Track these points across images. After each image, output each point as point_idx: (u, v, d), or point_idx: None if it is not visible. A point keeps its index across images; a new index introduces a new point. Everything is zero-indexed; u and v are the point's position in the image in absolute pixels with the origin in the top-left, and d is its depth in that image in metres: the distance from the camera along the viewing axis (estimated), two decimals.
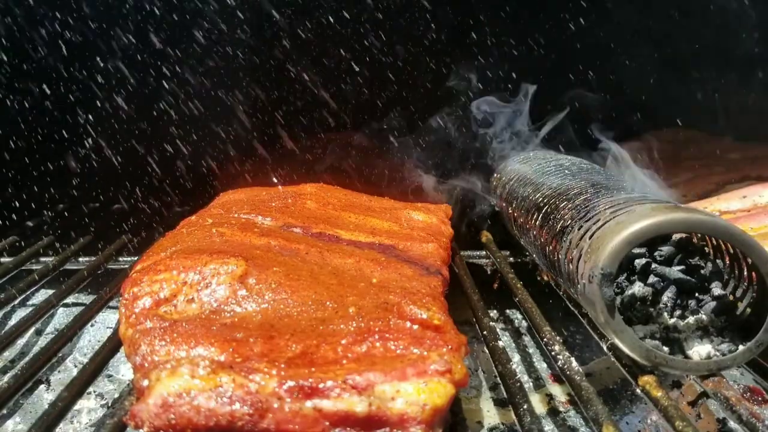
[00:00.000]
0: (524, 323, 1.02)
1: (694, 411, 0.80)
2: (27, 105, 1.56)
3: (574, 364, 0.65)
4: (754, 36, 1.32)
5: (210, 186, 1.23)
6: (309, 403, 0.48)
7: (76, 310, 1.03)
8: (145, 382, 0.51)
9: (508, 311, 1.06)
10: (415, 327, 0.57)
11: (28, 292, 0.92)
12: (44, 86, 1.56)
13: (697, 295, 0.64)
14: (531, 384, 0.88)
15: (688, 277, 0.63)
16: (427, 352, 0.54)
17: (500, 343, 0.71)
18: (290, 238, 0.77)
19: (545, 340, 0.71)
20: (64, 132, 1.62)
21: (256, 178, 1.41)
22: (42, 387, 0.85)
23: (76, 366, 0.90)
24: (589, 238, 0.66)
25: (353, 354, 0.54)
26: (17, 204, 1.42)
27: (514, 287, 0.87)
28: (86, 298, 1.06)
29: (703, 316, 0.63)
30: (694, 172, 1.32)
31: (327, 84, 1.65)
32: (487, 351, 0.72)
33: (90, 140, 1.65)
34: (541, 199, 0.86)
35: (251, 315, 0.60)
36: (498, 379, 0.69)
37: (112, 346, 0.69)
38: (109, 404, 0.82)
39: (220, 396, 0.48)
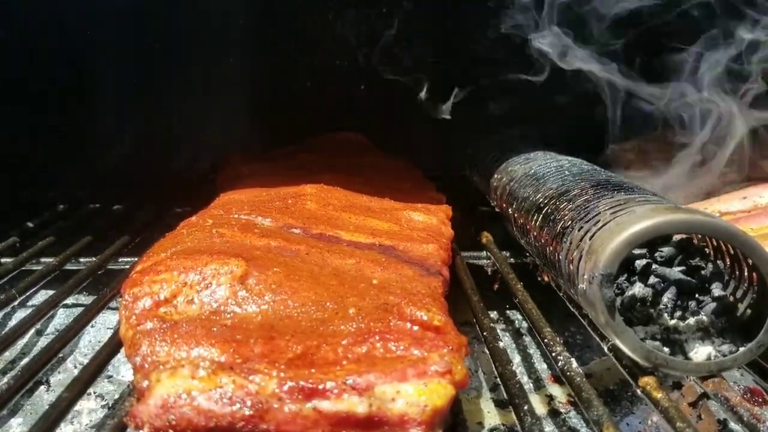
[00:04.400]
0: (524, 324, 1.02)
1: (695, 412, 0.80)
2: (27, 105, 1.56)
3: (575, 364, 0.65)
4: None
5: (210, 186, 1.23)
6: (309, 404, 0.48)
7: (77, 310, 1.03)
8: (146, 383, 0.51)
9: (508, 312, 1.06)
10: (416, 328, 0.57)
11: (29, 293, 0.92)
12: (43, 86, 1.56)
13: (697, 296, 0.64)
14: (531, 385, 0.88)
15: (689, 278, 0.63)
16: (427, 353, 0.54)
17: (500, 344, 0.71)
18: (290, 238, 0.77)
19: (546, 340, 0.71)
20: (63, 132, 1.62)
21: (256, 178, 1.41)
22: (42, 388, 0.85)
23: (76, 367, 0.90)
24: (590, 239, 0.66)
25: (353, 355, 0.54)
26: (17, 205, 1.42)
27: (514, 288, 0.87)
28: (86, 299, 1.06)
29: (704, 317, 0.63)
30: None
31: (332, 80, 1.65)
32: (487, 352, 0.72)
33: (90, 140, 1.65)
34: (541, 199, 0.86)
35: (251, 316, 0.60)
36: (498, 379, 0.69)
37: (112, 346, 0.69)
38: (110, 405, 0.82)
39: (220, 397, 0.48)
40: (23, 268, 0.99)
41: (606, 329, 0.62)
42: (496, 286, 1.01)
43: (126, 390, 0.61)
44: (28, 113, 1.55)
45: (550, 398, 0.85)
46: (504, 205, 1.03)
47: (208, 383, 0.49)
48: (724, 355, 0.61)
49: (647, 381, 0.61)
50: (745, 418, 0.58)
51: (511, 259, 1.03)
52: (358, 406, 0.48)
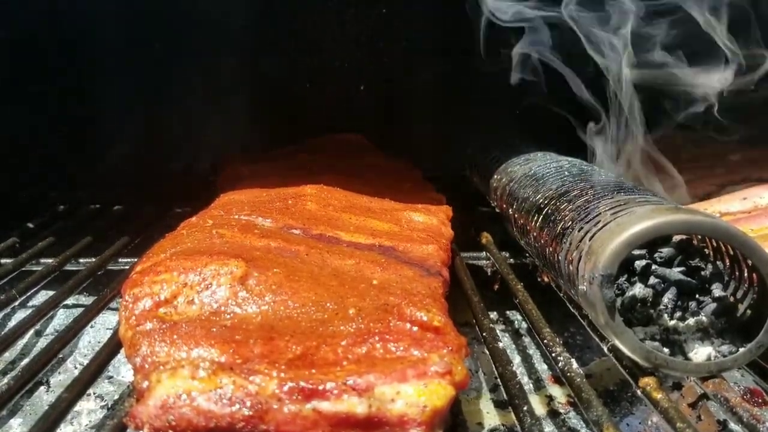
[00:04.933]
0: (524, 325, 1.02)
1: (695, 412, 0.80)
2: (27, 105, 1.56)
3: (575, 365, 0.65)
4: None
5: (210, 187, 1.23)
6: (309, 405, 0.48)
7: (76, 311, 1.03)
8: (146, 384, 0.51)
9: (508, 313, 1.06)
10: (415, 328, 0.57)
11: (29, 294, 0.92)
12: (45, 88, 1.55)
13: (697, 296, 0.64)
14: (531, 385, 0.88)
15: (689, 279, 0.63)
16: (427, 353, 0.54)
17: (500, 345, 0.71)
18: (290, 239, 0.77)
19: (545, 341, 0.71)
20: (64, 133, 1.62)
21: (256, 179, 1.41)
22: (42, 388, 0.85)
23: (76, 367, 0.90)
24: (590, 239, 0.66)
25: (353, 355, 0.54)
26: (17, 205, 1.42)
27: (514, 289, 0.87)
28: (86, 300, 1.06)
29: (704, 318, 0.62)
30: (695, 174, 1.32)
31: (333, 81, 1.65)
32: (487, 352, 0.72)
33: (90, 141, 1.65)
34: (541, 200, 0.86)
35: (251, 316, 0.60)
36: (498, 380, 0.69)
37: (112, 347, 0.69)
38: (110, 405, 0.82)
39: (220, 397, 0.48)
40: (23, 269, 0.99)
41: (606, 330, 0.62)
42: (496, 286, 1.01)
43: (126, 391, 0.61)
44: (28, 113, 1.55)
45: (550, 399, 0.85)
46: (504, 206, 1.03)
47: (207, 384, 0.49)
48: (724, 356, 0.61)
49: (647, 381, 0.61)
50: (744, 419, 0.58)
51: (511, 260, 1.03)
52: (357, 406, 0.48)
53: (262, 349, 0.53)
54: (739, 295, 0.63)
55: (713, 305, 0.63)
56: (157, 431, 0.48)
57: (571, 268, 0.69)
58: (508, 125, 1.47)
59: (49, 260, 1.00)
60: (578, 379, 0.62)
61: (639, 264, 0.64)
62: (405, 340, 0.55)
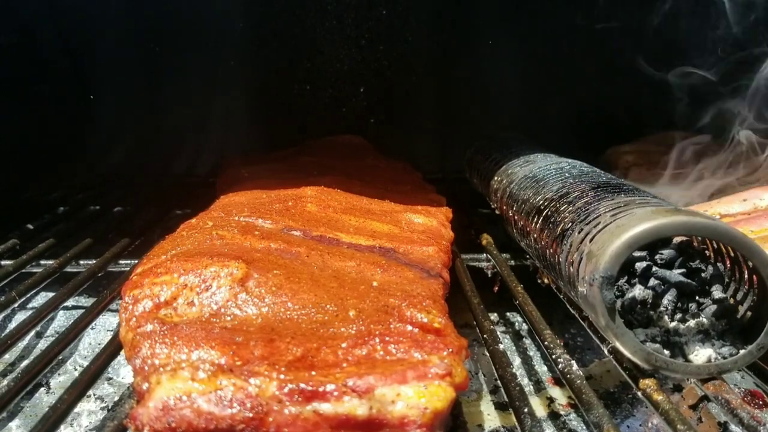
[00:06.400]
0: (525, 326, 1.02)
1: (695, 414, 0.79)
2: (27, 105, 1.56)
3: (575, 367, 0.65)
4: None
5: (210, 188, 1.23)
6: (309, 407, 0.48)
7: (77, 313, 1.03)
8: (146, 385, 0.51)
9: (508, 314, 1.06)
10: (416, 330, 0.57)
11: (29, 295, 0.92)
12: (44, 87, 1.56)
13: (697, 298, 0.64)
14: (531, 387, 0.88)
15: (689, 281, 0.63)
16: (427, 355, 0.54)
17: (501, 347, 0.71)
18: (291, 241, 0.77)
19: (546, 343, 0.71)
20: (64, 133, 1.62)
21: (256, 181, 1.41)
22: (42, 390, 0.85)
23: (76, 369, 0.90)
24: (590, 241, 0.66)
25: (354, 357, 0.54)
26: (18, 206, 1.42)
27: (514, 290, 0.87)
28: (86, 301, 1.06)
29: (704, 320, 0.62)
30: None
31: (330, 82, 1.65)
32: (487, 354, 0.72)
33: (90, 142, 1.66)
34: (541, 202, 0.86)
35: (251, 318, 0.60)
36: (498, 382, 0.69)
37: (112, 349, 0.69)
38: (110, 407, 0.82)
39: (220, 399, 0.48)
40: (23, 271, 0.99)
41: (606, 331, 0.62)
42: (496, 288, 1.01)
43: (126, 392, 0.60)
44: (28, 114, 1.55)
45: (551, 400, 0.85)
46: (504, 208, 1.03)
47: (208, 385, 0.49)
48: (725, 358, 0.61)
49: (647, 383, 0.61)
50: (745, 421, 0.58)
51: (511, 262, 1.03)
52: (358, 408, 0.48)
53: (263, 350, 0.53)
54: (739, 296, 0.63)
55: (713, 307, 0.63)
56: None
57: (571, 269, 0.69)
58: (508, 127, 1.47)
59: (50, 262, 1.00)
60: (579, 381, 0.62)
61: (639, 266, 0.64)
62: (405, 342, 0.55)
